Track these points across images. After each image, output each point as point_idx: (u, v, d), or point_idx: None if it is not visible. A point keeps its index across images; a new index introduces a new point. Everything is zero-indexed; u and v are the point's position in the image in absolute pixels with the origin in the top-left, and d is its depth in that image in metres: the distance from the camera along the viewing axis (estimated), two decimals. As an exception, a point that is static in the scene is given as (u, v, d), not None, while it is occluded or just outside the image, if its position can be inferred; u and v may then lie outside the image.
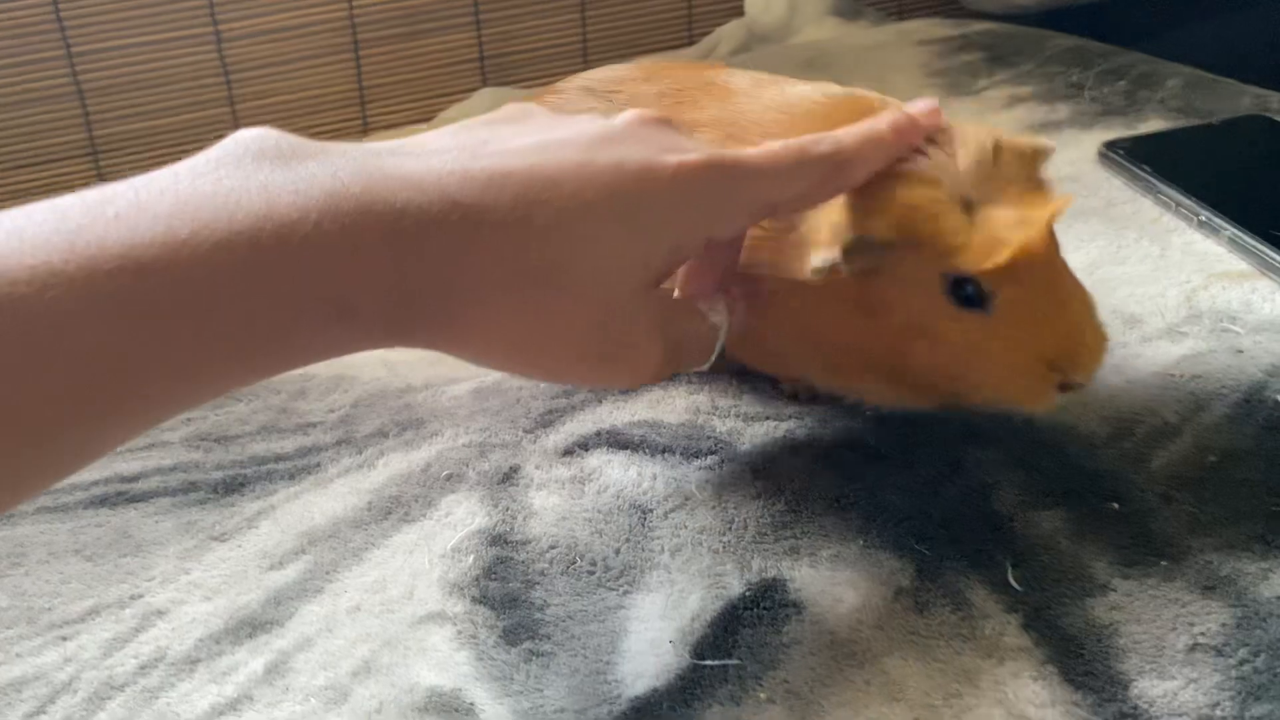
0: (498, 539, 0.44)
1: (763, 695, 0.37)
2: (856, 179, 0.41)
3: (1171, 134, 0.72)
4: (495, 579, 0.43)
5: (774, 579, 0.42)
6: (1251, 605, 0.39)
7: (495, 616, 0.41)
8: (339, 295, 0.31)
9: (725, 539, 0.44)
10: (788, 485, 0.46)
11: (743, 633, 0.40)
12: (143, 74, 0.88)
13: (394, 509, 0.47)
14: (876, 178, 0.41)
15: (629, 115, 0.38)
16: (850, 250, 0.41)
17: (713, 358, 0.42)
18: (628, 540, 0.44)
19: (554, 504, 0.46)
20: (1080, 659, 0.38)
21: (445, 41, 0.95)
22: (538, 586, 0.42)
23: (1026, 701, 0.37)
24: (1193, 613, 0.39)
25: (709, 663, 0.39)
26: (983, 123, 0.44)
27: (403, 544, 0.45)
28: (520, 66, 0.98)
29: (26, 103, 0.86)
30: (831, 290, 0.43)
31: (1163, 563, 0.41)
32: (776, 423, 0.50)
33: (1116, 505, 0.44)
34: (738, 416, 0.50)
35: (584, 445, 0.49)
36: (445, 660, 0.39)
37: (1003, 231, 0.40)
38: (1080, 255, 0.59)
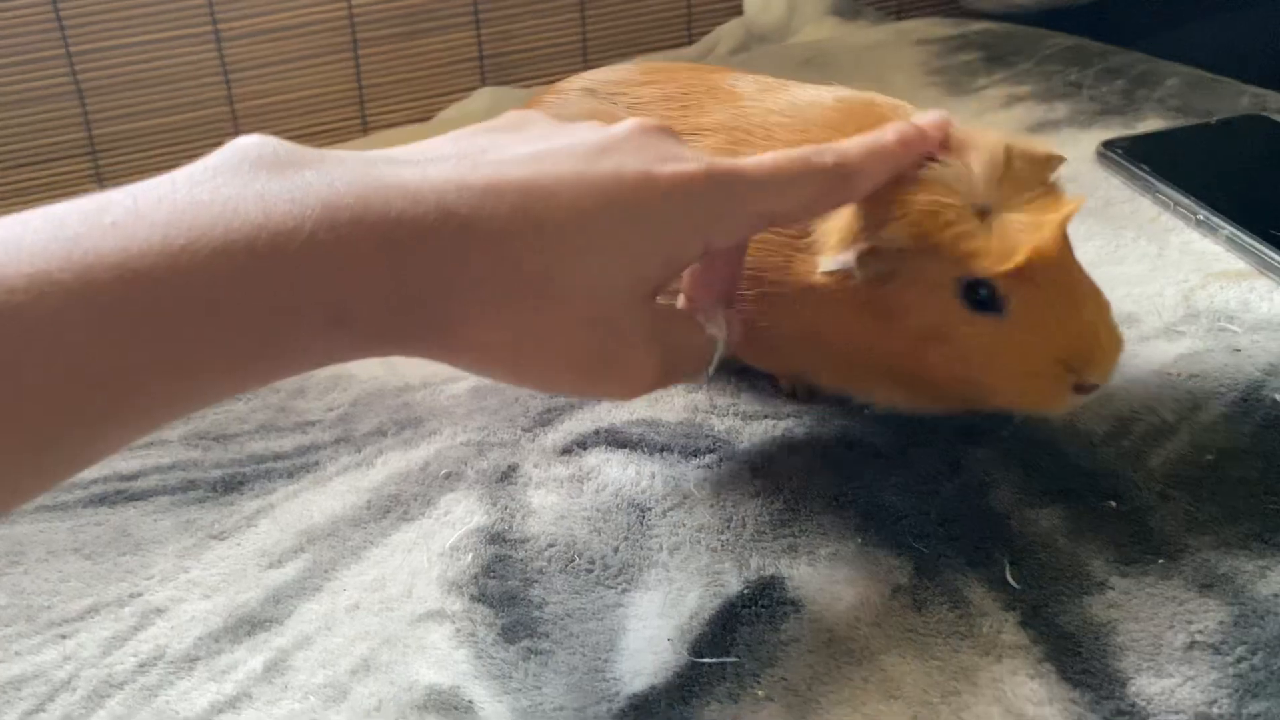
0: (496, 537, 0.44)
1: (761, 693, 0.38)
2: (860, 192, 0.41)
3: (1170, 133, 0.72)
4: (494, 577, 0.43)
5: (772, 577, 0.42)
6: (1249, 603, 0.39)
7: (494, 614, 0.41)
8: (334, 304, 0.31)
9: (723, 537, 0.44)
10: (786, 484, 0.46)
11: (741, 630, 0.40)
12: (142, 73, 0.88)
13: (393, 507, 0.47)
14: (890, 183, 0.41)
15: (629, 124, 0.38)
16: (865, 256, 0.41)
17: (710, 370, 0.41)
18: (626, 538, 0.44)
19: (552, 502, 0.46)
20: (1078, 657, 0.38)
21: (444, 41, 0.95)
22: (536, 584, 0.42)
23: (1024, 699, 0.37)
24: (1190, 611, 0.39)
25: (707, 660, 0.39)
26: (989, 125, 0.44)
27: (401, 542, 0.45)
28: (519, 66, 0.98)
29: (25, 101, 0.86)
30: (842, 294, 0.43)
31: (1160, 561, 0.41)
32: (775, 421, 0.50)
33: (1114, 503, 0.44)
34: (736, 415, 0.50)
35: (582, 444, 0.49)
36: (444, 658, 0.39)
37: (1017, 235, 0.40)
38: (1078, 254, 0.59)
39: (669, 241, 0.36)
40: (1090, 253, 0.60)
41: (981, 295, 0.41)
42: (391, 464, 0.49)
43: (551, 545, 0.44)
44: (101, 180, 0.89)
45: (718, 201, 0.37)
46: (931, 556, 0.42)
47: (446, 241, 0.32)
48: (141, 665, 0.40)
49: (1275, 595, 0.39)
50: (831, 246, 0.42)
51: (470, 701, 0.38)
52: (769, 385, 0.52)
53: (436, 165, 0.34)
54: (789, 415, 0.50)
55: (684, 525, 0.44)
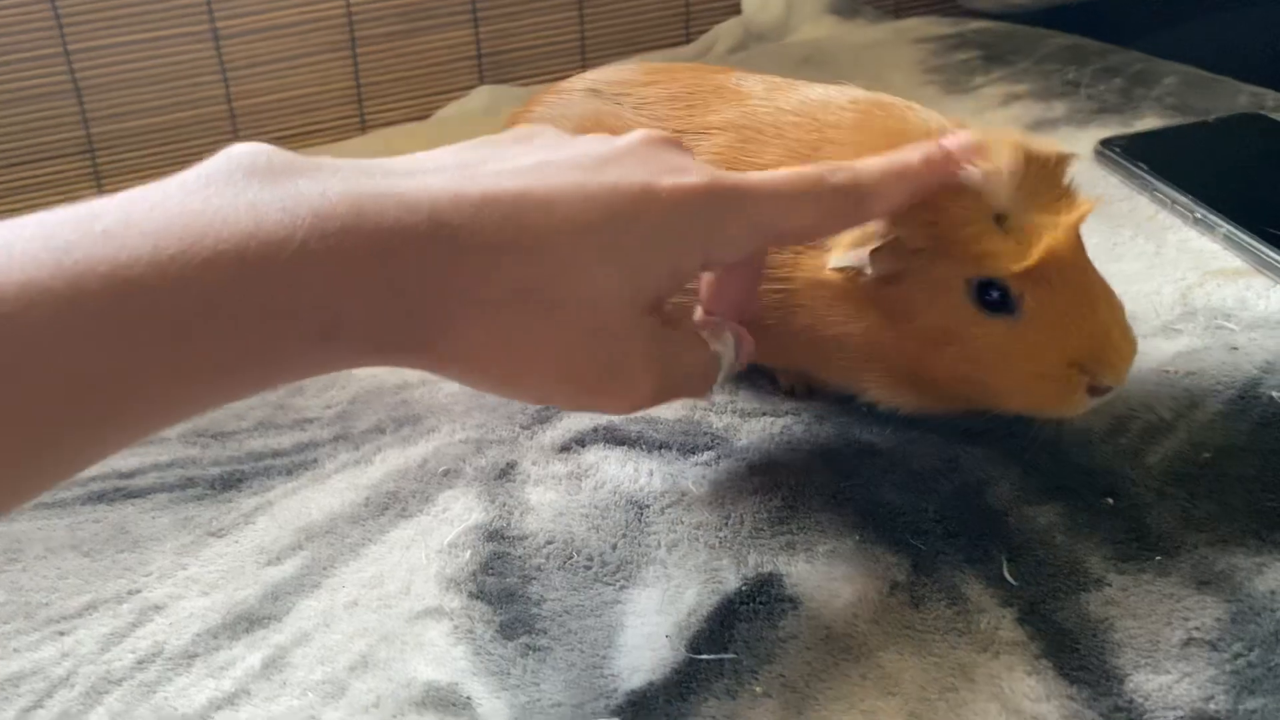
0: (495, 534, 0.44)
1: (758, 689, 0.38)
2: (874, 213, 0.40)
3: (1167, 132, 0.72)
4: (492, 574, 0.43)
5: (770, 574, 0.42)
6: (1246, 600, 0.39)
7: (492, 611, 0.41)
8: (324, 314, 0.31)
9: (721, 534, 0.44)
10: (784, 481, 0.46)
11: (739, 627, 0.40)
12: (140, 71, 0.88)
13: (391, 504, 0.47)
14: None
15: (635, 135, 0.38)
16: (877, 254, 0.41)
17: (715, 388, 0.40)
18: (624, 535, 0.44)
19: (551, 499, 0.46)
20: (1075, 653, 0.38)
21: (443, 39, 0.95)
22: (534, 581, 0.42)
23: (1022, 696, 0.37)
24: (1187, 607, 0.39)
25: (705, 657, 0.39)
26: (993, 125, 0.44)
27: (400, 539, 0.45)
28: (518, 64, 0.98)
29: (23, 100, 0.86)
30: (851, 291, 0.43)
31: (1157, 558, 0.41)
32: (773, 419, 0.50)
33: (1111, 501, 0.44)
34: (734, 412, 0.50)
35: (580, 441, 0.49)
36: (442, 655, 0.39)
37: (1031, 235, 0.40)
38: (1076, 252, 0.59)
39: (668, 254, 0.36)
40: (1088, 250, 0.60)
41: (993, 296, 0.41)
42: (390, 461, 0.49)
43: (550, 542, 0.44)
44: (99, 178, 0.89)
45: (719, 215, 0.36)
46: (929, 553, 0.42)
47: (439, 251, 0.32)
48: (140, 662, 0.40)
49: (1272, 592, 0.40)
50: (843, 243, 0.42)
51: (468, 698, 0.38)
52: (767, 383, 0.52)
53: (433, 175, 0.34)
54: (787, 413, 0.50)
55: (682, 522, 0.44)
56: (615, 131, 0.49)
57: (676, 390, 0.39)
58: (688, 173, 0.36)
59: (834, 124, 0.45)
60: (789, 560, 0.42)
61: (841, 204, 0.39)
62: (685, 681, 0.38)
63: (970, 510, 0.44)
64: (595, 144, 0.37)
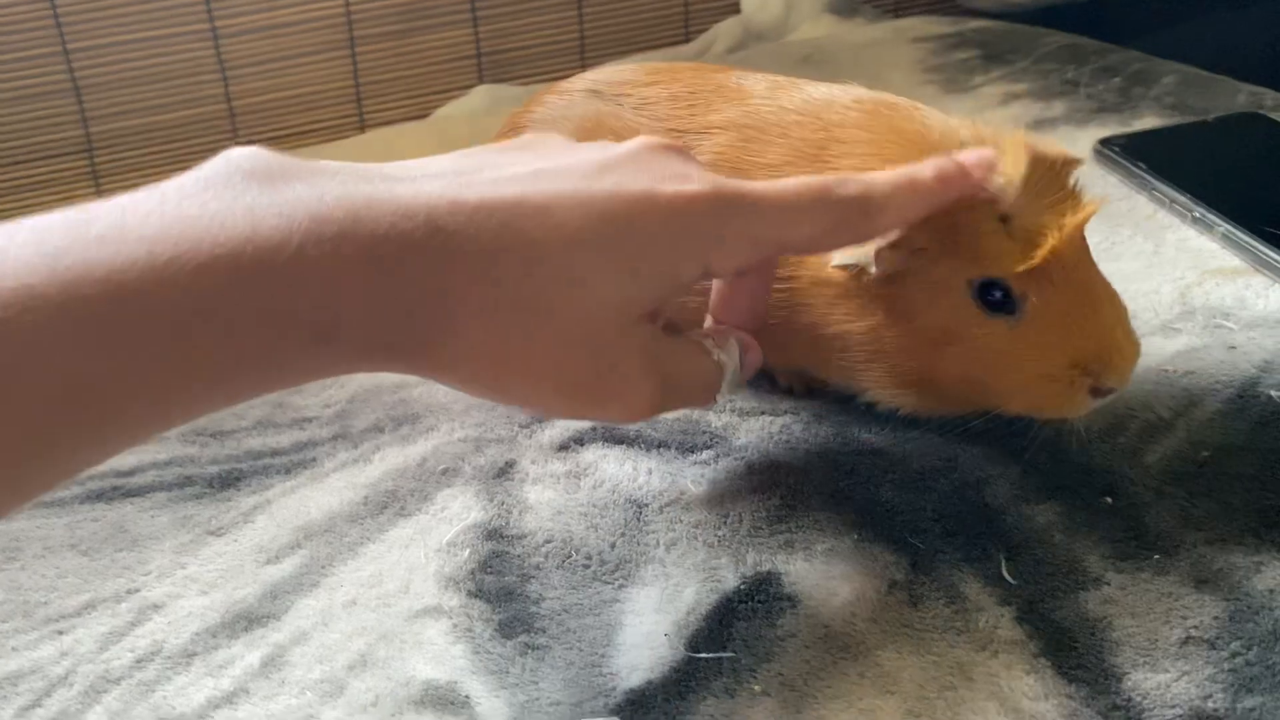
0: (493, 533, 0.44)
1: (757, 688, 0.38)
2: (883, 227, 0.39)
3: (1166, 131, 0.72)
4: (491, 573, 0.43)
5: (769, 572, 0.42)
6: (1244, 599, 0.39)
7: (491, 610, 0.41)
8: (319, 319, 0.30)
9: (720, 533, 0.44)
10: (783, 480, 0.46)
11: (737, 626, 0.40)
12: (139, 70, 0.88)
13: (390, 503, 0.47)
14: None
15: (638, 142, 0.38)
16: (882, 253, 0.41)
17: (718, 398, 0.40)
18: (623, 534, 0.44)
19: (549, 498, 0.46)
20: (1074, 652, 0.38)
21: (442, 38, 0.95)
22: (533, 580, 0.42)
23: (1020, 694, 0.37)
24: (1185, 606, 0.39)
25: (704, 655, 0.39)
26: (1009, 127, 0.44)
27: (399, 538, 0.45)
28: (517, 63, 0.98)
29: (22, 99, 0.86)
30: (854, 291, 0.43)
31: (1156, 557, 0.41)
32: (772, 418, 0.50)
33: (1110, 500, 0.44)
34: (733, 411, 0.50)
35: (579, 440, 0.49)
36: (441, 654, 0.39)
37: (1034, 235, 0.40)
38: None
39: (666, 261, 0.36)
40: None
41: (995, 296, 0.41)
42: (389, 460, 0.49)
43: (548, 541, 0.44)
44: (98, 178, 0.89)
45: (720, 224, 0.36)
46: (928, 552, 0.42)
47: (434, 257, 0.32)
48: (138, 661, 0.40)
49: (1270, 591, 0.40)
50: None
51: (467, 697, 0.38)
52: (766, 381, 0.52)
53: (431, 181, 0.33)
54: (786, 411, 0.50)
55: (681, 521, 0.44)
56: (616, 132, 0.50)
57: (678, 399, 0.39)
58: (690, 180, 0.36)
59: (839, 123, 0.45)
60: (788, 559, 0.42)
61: (849, 217, 0.38)
62: (684, 680, 0.38)
63: (969, 509, 0.44)
64: (597, 151, 0.37)
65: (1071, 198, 0.42)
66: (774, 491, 0.45)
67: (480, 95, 0.94)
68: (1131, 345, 0.43)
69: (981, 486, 0.45)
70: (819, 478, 0.46)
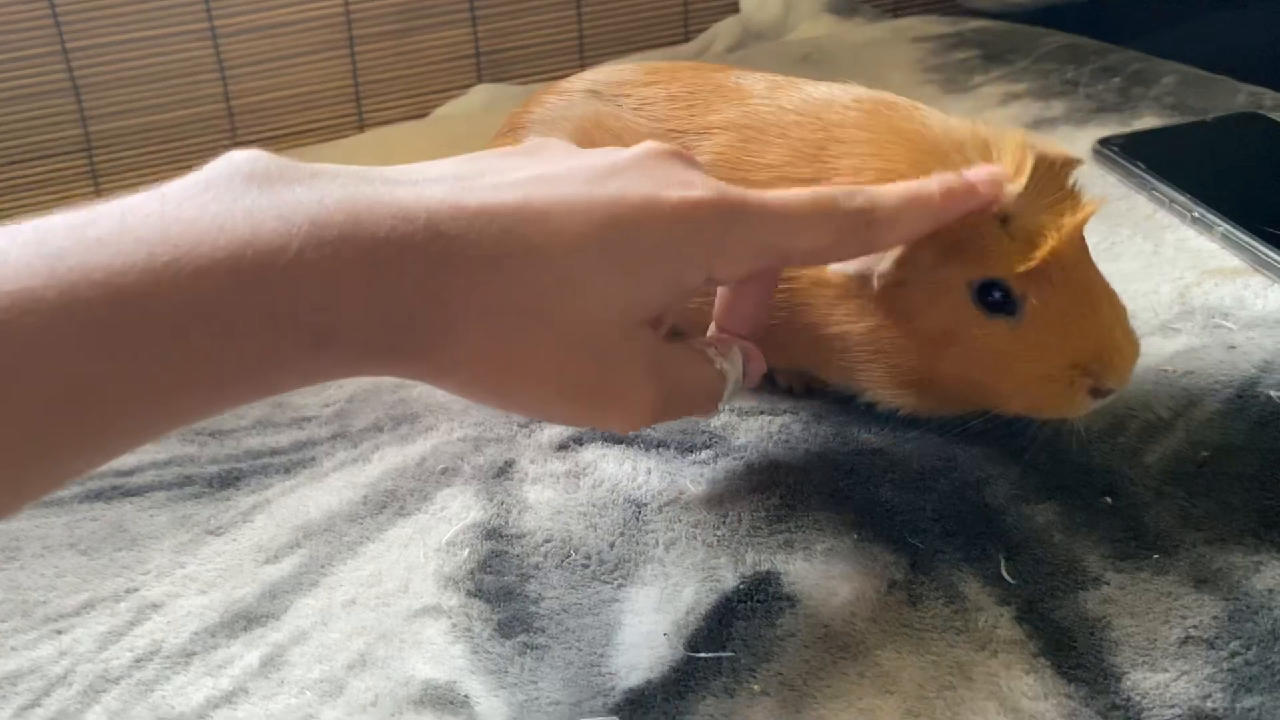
0: (493, 533, 0.44)
1: (756, 687, 0.38)
2: (888, 241, 0.39)
3: (1166, 131, 0.72)
4: (490, 572, 0.43)
5: (768, 572, 0.42)
6: (1243, 598, 0.39)
7: (490, 610, 0.41)
8: (318, 323, 0.30)
9: (719, 533, 0.44)
10: (782, 479, 0.46)
11: (737, 625, 0.40)
12: (138, 69, 0.88)
13: (389, 503, 0.47)
14: None
15: (642, 147, 0.37)
16: (884, 274, 0.41)
17: (720, 407, 0.40)
18: (622, 534, 0.44)
19: (549, 498, 0.46)
20: (1073, 652, 0.38)
21: (441, 37, 0.95)
22: (532, 580, 0.42)
23: (1020, 694, 0.37)
24: (1185, 606, 0.39)
25: (703, 655, 0.39)
26: (1008, 126, 0.44)
27: (398, 538, 0.45)
28: (516, 63, 0.98)
29: (21, 98, 0.86)
30: (854, 292, 0.43)
31: (1155, 556, 0.41)
32: (771, 417, 0.50)
33: (1109, 500, 0.44)
34: (732, 411, 0.50)
35: (578, 440, 0.49)
36: (440, 653, 0.39)
37: (1033, 236, 0.40)
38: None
39: (669, 268, 0.35)
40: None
41: (995, 297, 0.41)
42: (388, 459, 0.49)
43: (548, 541, 0.44)
44: (96, 177, 0.89)
45: (723, 231, 0.36)
46: (927, 552, 0.42)
47: (434, 262, 0.32)
48: (137, 660, 0.40)
49: (1269, 590, 0.40)
50: None
51: (466, 696, 0.38)
52: (766, 381, 0.52)
53: (433, 185, 0.33)
54: (785, 411, 0.50)
55: (680, 521, 0.44)
56: (615, 132, 0.50)
57: (679, 407, 0.39)
58: (694, 186, 0.36)
59: (838, 123, 0.45)
60: (787, 558, 0.42)
61: (855, 230, 0.38)
62: (683, 680, 0.38)
63: (968, 509, 0.44)
64: (600, 156, 0.37)
65: (1071, 198, 0.42)
66: (773, 491, 0.45)
67: (479, 94, 0.94)
68: (1131, 346, 0.43)
69: (981, 486, 0.45)
70: (818, 477, 0.46)
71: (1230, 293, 0.55)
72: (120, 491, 0.49)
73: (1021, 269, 0.40)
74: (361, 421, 0.52)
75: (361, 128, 0.95)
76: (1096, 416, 0.47)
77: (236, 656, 0.40)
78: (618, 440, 0.49)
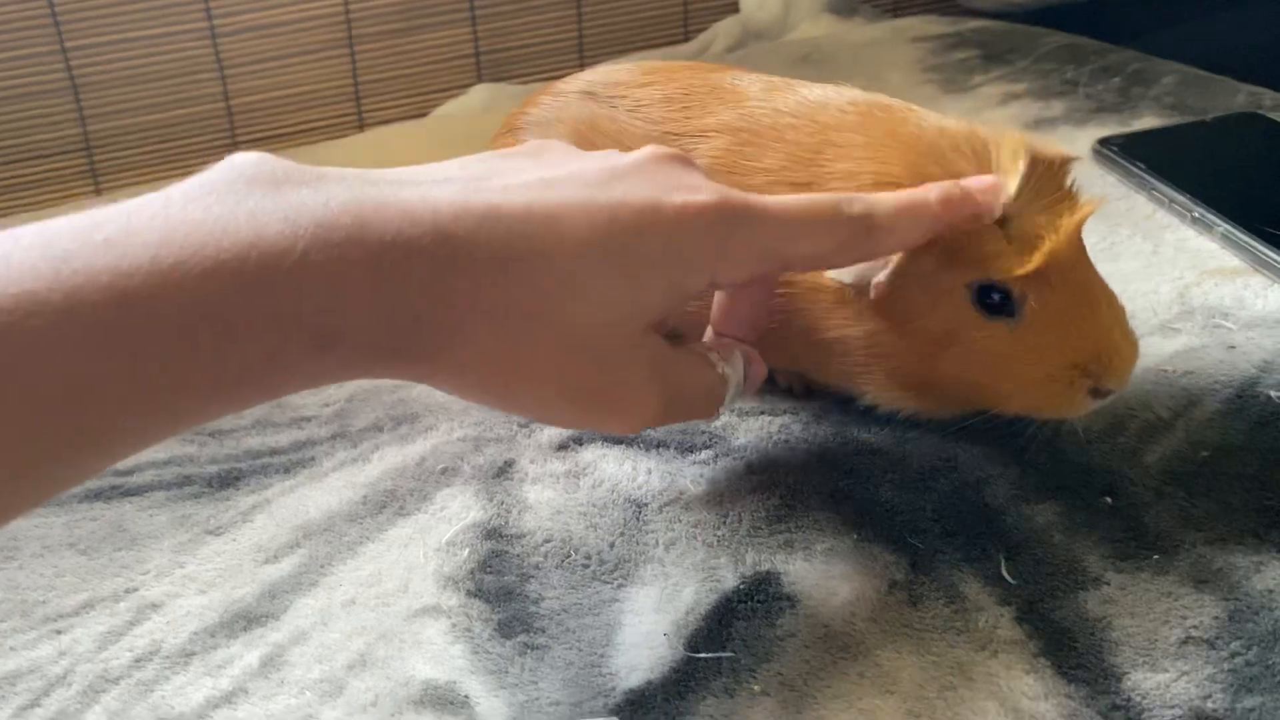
0: (492, 533, 0.44)
1: (756, 688, 0.38)
2: (886, 249, 0.40)
3: (1165, 131, 0.72)
4: (490, 572, 0.43)
5: (768, 572, 0.42)
6: (1243, 599, 0.39)
7: (490, 610, 0.41)
8: (323, 326, 0.30)
9: (719, 533, 0.44)
10: (782, 479, 0.46)
11: (737, 625, 0.40)
12: (137, 68, 0.87)
13: (389, 503, 0.47)
14: None
15: (645, 151, 0.38)
16: (880, 285, 0.41)
17: (722, 411, 0.40)
18: (622, 534, 0.44)
19: (549, 498, 0.46)
20: (1073, 652, 0.38)
21: (441, 37, 0.95)
22: (532, 580, 0.42)
23: (1020, 694, 0.37)
24: (1185, 606, 0.39)
25: (703, 655, 0.39)
26: (1006, 126, 0.44)
27: (398, 538, 0.45)
28: (516, 62, 0.98)
29: (20, 97, 0.86)
30: (853, 295, 0.43)
31: (1155, 557, 0.41)
32: (771, 418, 0.50)
33: (1109, 500, 0.44)
34: (732, 412, 0.50)
35: (578, 440, 0.49)
36: (440, 653, 0.39)
37: (1033, 238, 0.40)
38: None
39: (672, 272, 0.36)
40: (1087, 251, 0.60)
41: (994, 299, 0.41)
42: (388, 459, 0.49)
43: (548, 540, 0.44)
44: (96, 176, 0.89)
45: (726, 235, 0.36)
46: (927, 552, 0.42)
47: (441, 265, 0.32)
48: (137, 660, 0.40)
49: (1269, 591, 0.40)
50: None
51: (466, 696, 0.38)
52: (766, 382, 0.52)
53: (439, 187, 0.33)
54: (785, 411, 0.50)
55: (680, 521, 0.44)
56: (610, 134, 0.50)
57: (681, 411, 0.39)
58: (698, 191, 0.36)
59: (835, 126, 0.45)
60: (787, 559, 0.42)
61: (855, 236, 0.38)
62: (683, 680, 0.38)
63: (968, 509, 0.44)
64: (603, 159, 0.37)
65: (1069, 198, 0.42)
66: (773, 491, 0.45)
67: (479, 94, 0.94)
68: (1130, 346, 0.43)
69: (981, 486, 0.45)
70: (818, 477, 0.46)
71: (1230, 293, 0.55)
72: (120, 491, 0.49)
73: (1020, 271, 0.40)
74: (361, 421, 0.52)
75: (361, 127, 0.95)
76: (1096, 416, 0.47)
77: (236, 656, 0.40)
78: (618, 440, 0.49)
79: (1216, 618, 0.39)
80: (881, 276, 0.41)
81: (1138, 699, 0.36)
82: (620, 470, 0.47)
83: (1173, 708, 0.36)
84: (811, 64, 0.89)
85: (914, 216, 0.39)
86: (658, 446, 0.48)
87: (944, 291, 0.42)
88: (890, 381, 0.45)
